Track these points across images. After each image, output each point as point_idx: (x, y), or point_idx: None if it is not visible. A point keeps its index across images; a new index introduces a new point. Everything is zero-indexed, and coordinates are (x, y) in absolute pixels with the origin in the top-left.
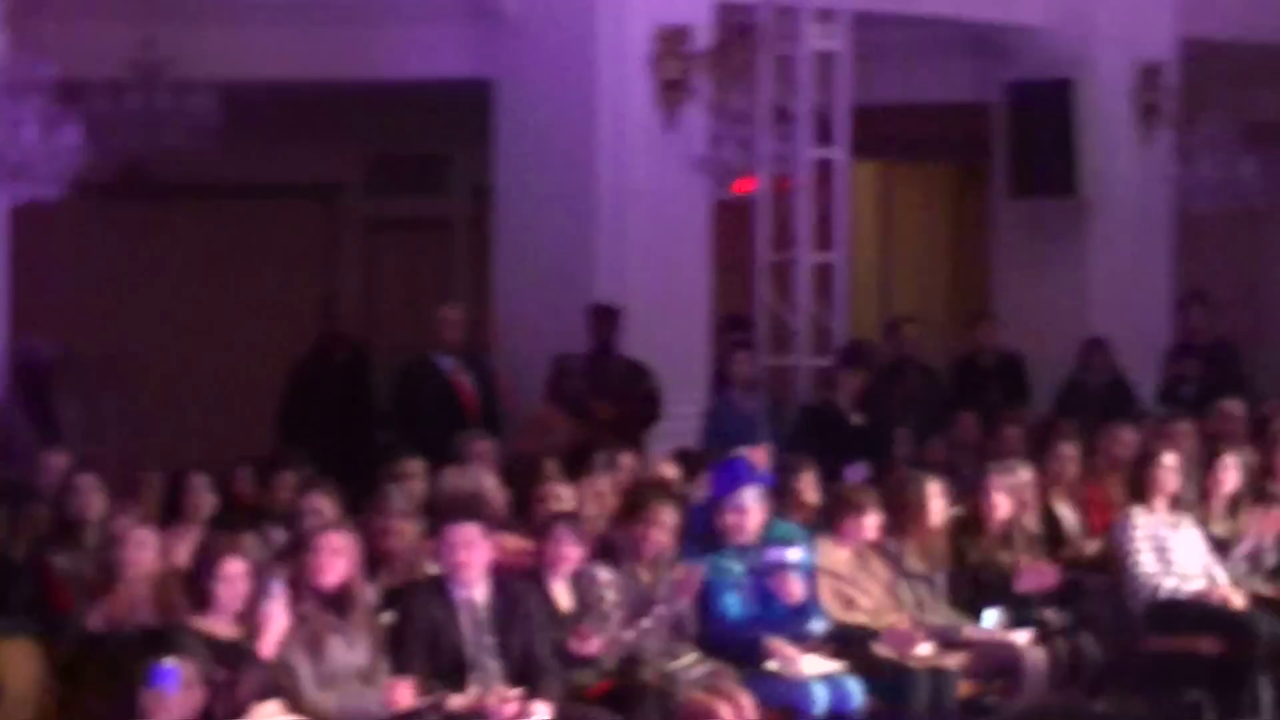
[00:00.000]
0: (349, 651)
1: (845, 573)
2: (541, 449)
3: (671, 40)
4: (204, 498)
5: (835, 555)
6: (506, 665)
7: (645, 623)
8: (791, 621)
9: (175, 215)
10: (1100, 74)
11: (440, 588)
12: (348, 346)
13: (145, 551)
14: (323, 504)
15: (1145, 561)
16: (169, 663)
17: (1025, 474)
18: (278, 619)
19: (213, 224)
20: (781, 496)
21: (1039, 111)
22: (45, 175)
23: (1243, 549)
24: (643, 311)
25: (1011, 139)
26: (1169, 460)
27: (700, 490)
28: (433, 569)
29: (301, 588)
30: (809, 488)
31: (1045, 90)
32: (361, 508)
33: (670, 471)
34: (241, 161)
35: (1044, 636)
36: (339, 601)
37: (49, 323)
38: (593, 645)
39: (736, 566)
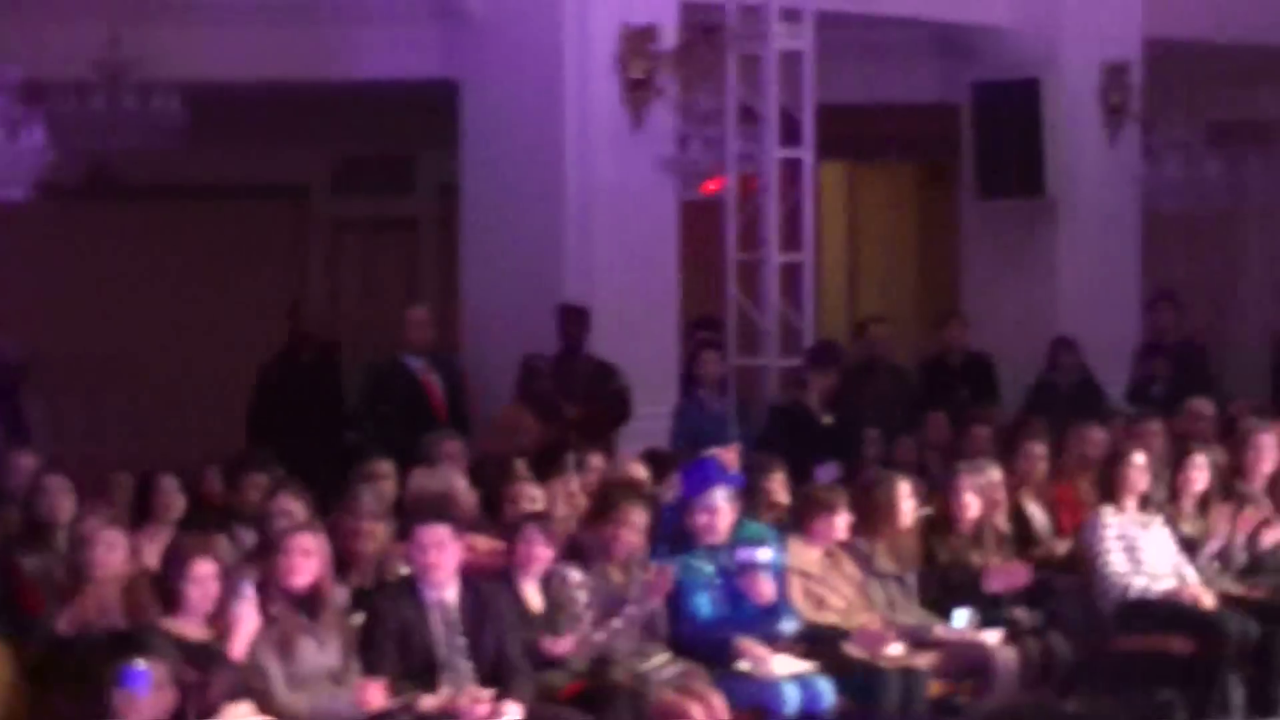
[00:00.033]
0: (319, 652)
1: (816, 573)
2: (510, 449)
3: (638, 40)
4: (173, 499)
5: (806, 555)
6: (477, 666)
7: (616, 623)
8: (762, 622)
9: (141, 216)
10: (1066, 74)
11: (411, 589)
12: (316, 347)
13: (114, 553)
14: (292, 505)
15: (1115, 561)
16: (139, 664)
17: (995, 474)
18: (248, 620)
19: (179, 225)
20: (751, 497)
21: (1005, 111)
22: (10, 177)
23: (1212, 548)
24: (611, 311)
25: (978, 139)
26: (1138, 460)
27: (670, 491)
28: (403, 570)
29: (271, 589)
30: (779, 488)
31: (1011, 90)
32: (331, 509)
33: (640, 472)
34: (208, 162)
35: (1014, 636)
36: (309, 602)
37: (15, 323)
38: (564, 646)
39: (707, 567)
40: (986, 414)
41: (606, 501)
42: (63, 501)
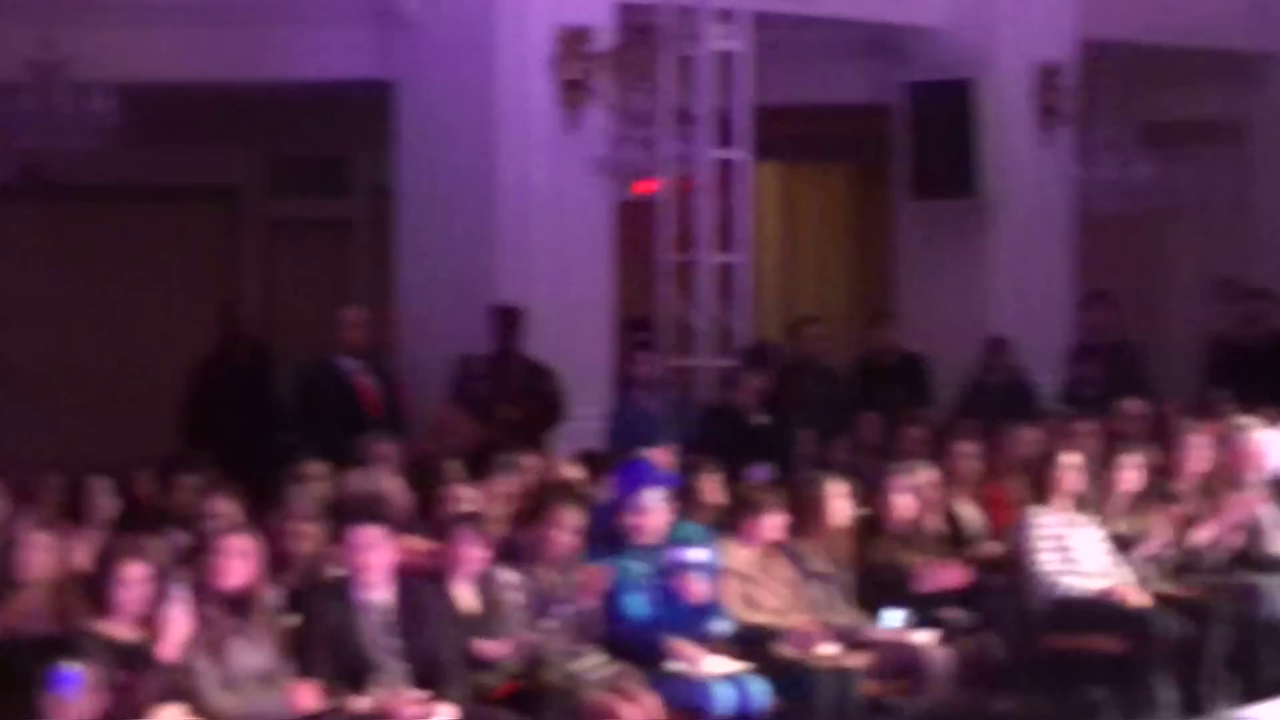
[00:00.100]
0: (251, 654)
1: (749, 573)
2: (444, 450)
3: (572, 41)
4: (104, 501)
5: (739, 556)
6: (410, 667)
7: (547, 623)
8: (695, 622)
9: (73, 217)
10: (999, 75)
11: (343, 590)
12: (249, 348)
13: (44, 555)
14: (224, 506)
15: (1046, 560)
16: (70, 667)
17: (926, 474)
18: (179, 622)
19: (111, 226)
20: (685, 497)
21: (939, 112)
22: None
23: (1149, 549)
24: (545, 312)
25: (912, 140)
26: (1070, 460)
27: (604, 491)
28: (336, 571)
29: (203, 590)
30: (712, 488)
31: (945, 91)
32: (264, 510)
33: (574, 473)
34: (141, 163)
35: (947, 636)
36: (241, 604)
37: None
38: (498, 649)
39: (640, 567)
40: (919, 415)
41: (540, 502)
42: None
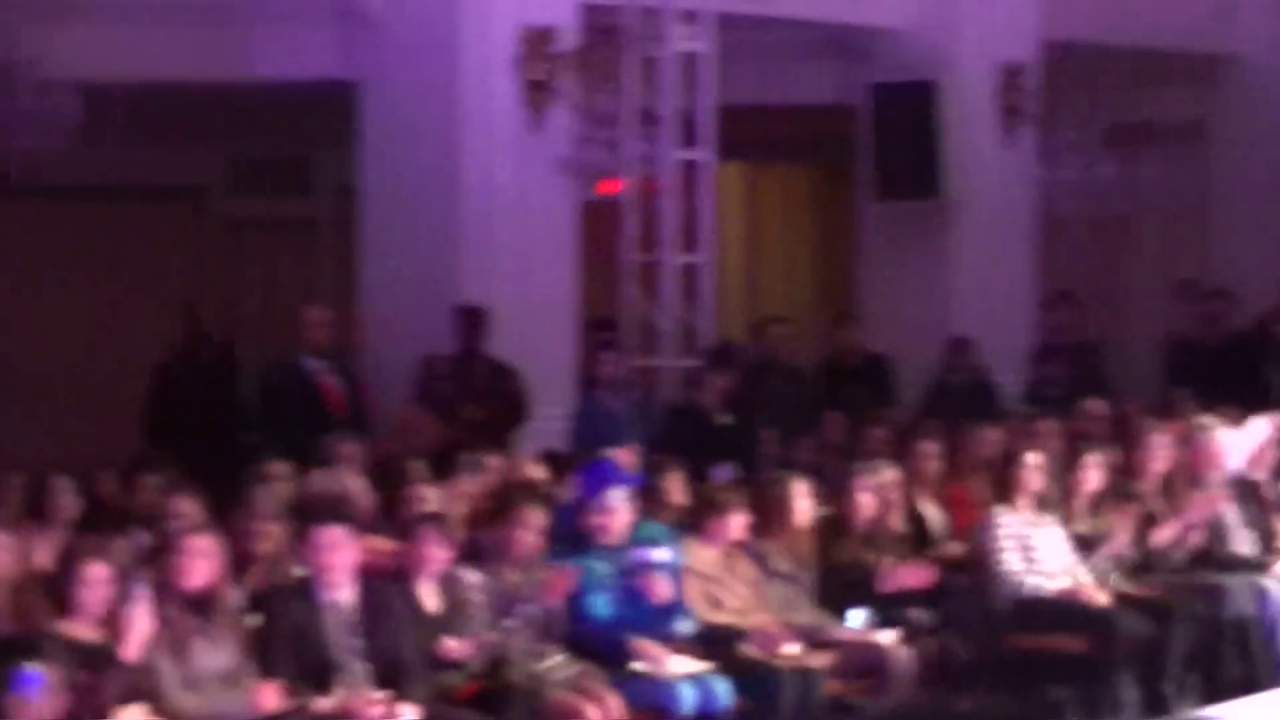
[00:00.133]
0: (214, 654)
1: (712, 573)
2: (408, 450)
3: (536, 41)
4: (67, 500)
5: (702, 556)
6: (373, 667)
7: (510, 623)
8: (658, 622)
9: (37, 216)
10: (962, 76)
11: (306, 590)
12: (212, 348)
13: (5, 555)
14: (187, 506)
15: (1009, 560)
16: (32, 668)
17: (890, 474)
18: (141, 622)
19: (75, 225)
20: (649, 497)
21: (902, 113)
22: None
23: (1112, 548)
24: (509, 313)
25: (875, 141)
26: (1032, 460)
27: (568, 491)
28: (299, 571)
29: (166, 590)
30: (676, 488)
31: (908, 92)
32: (227, 510)
33: (538, 473)
34: (104, 162)
35: (910, 635)
36: (204, 604)
37: None
38: (460, 649)
39: (604, 567)
40: (883, 415)
41: (504, 503)
42: None
